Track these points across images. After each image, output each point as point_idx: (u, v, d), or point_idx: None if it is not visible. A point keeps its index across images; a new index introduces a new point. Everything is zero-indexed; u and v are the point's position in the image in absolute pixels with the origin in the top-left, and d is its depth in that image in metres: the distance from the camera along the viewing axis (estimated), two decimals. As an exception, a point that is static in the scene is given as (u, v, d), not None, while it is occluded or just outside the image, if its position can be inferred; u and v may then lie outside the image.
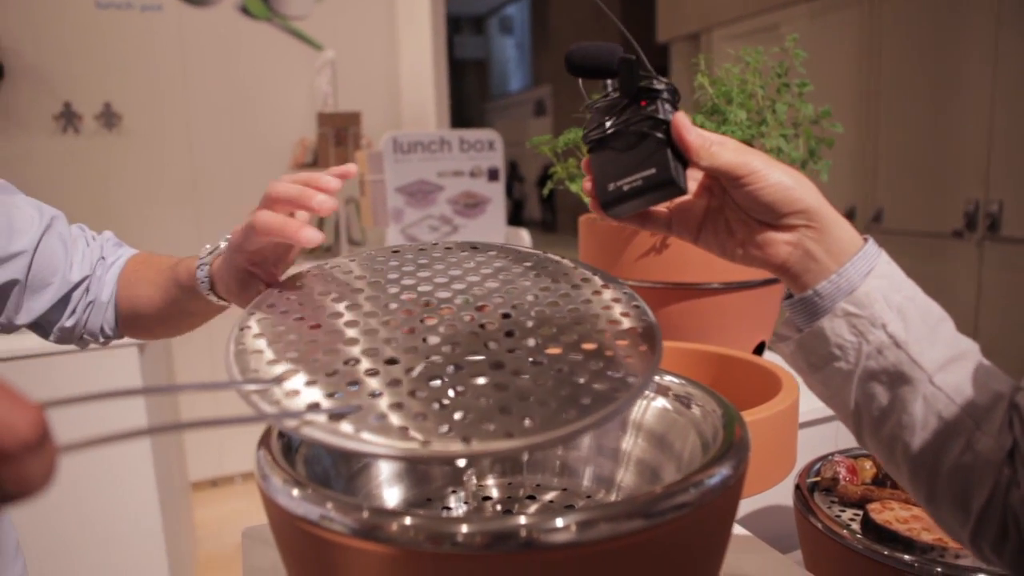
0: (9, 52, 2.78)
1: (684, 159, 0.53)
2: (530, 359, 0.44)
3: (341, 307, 0.50)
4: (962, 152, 3.26)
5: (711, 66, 1.20)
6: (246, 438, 3.21)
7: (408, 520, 0.37)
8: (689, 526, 0.39)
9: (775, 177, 0.52)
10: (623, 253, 1.14)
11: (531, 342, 0.45)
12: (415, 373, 0.42)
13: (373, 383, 0.42)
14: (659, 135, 0.53)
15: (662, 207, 0.58)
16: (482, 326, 0.47)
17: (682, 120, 0.53)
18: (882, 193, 3.65)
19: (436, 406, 0.40)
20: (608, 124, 0.55)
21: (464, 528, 0.36)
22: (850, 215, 3.86)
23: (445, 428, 0.38)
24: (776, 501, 1.08)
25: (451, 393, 0.41)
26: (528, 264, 0.56)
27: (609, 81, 0.56)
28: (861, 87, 3.77)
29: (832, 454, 0.96)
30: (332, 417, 0.39)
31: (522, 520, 0.36)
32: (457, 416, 0.39)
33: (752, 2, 4.61)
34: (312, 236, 0.56)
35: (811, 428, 1.12)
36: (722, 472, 0.41)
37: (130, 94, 2.99)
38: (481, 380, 0.42)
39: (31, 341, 1.57)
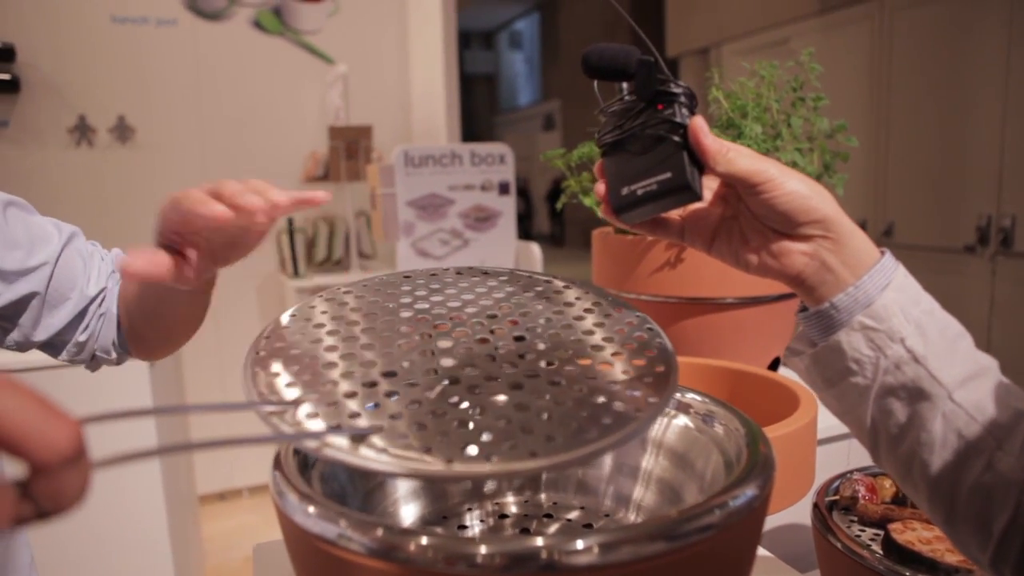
0: (26, 66, 2.81)
1: (700, 164, 0.52)
2: (548, 380, 0.43)
3: (356, 331, 0.49)
4: (974, 166, 3.24)
5: (724, 80, 1.20)
6: (254, 452, 3.20)
7: (425, 540, 0.36)
8: (714, 548, 0.38)
9: (792, 185, 0.51)
10: (636, 267, 1.13)
11: (547, 364, 0.45)
12: (433, 394, 0.42)
13: (393, 404, 0.41)
14: (676, 139, 0.52)
15: (675, 214, 0.57)
16: (496, 349, 0.47)
17: (700, 124, 0.52)
18: (893, 207, 3.64)
19: (457, 426, 0.39)
20: (624, 127, 0.54)
21: (483, 549, 0.35)
22: (861, 229, 3.81)
23: (468, 448, 0.37)
24: (793, 520, 1.06)
25: (472, 414, 0.40)
26: (539, 289, 0.56)
27: (625, 85, 0.55)
28: (872, 101, 3.76)
29: (851, 472, 0.94)
30: (354, 438, 0.38)
31: (541, 542, 0.35)
32: (479, 436, 0.38)
33: (762, 17, 4.62)
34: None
35: (829, 445, 1.10)
36: (748, 493, 0.40)
37: (144, 108, 3.02)
38: (500, 400, 0.41)
39: (40, 354, 1.57)
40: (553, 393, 0.42)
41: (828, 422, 1.10)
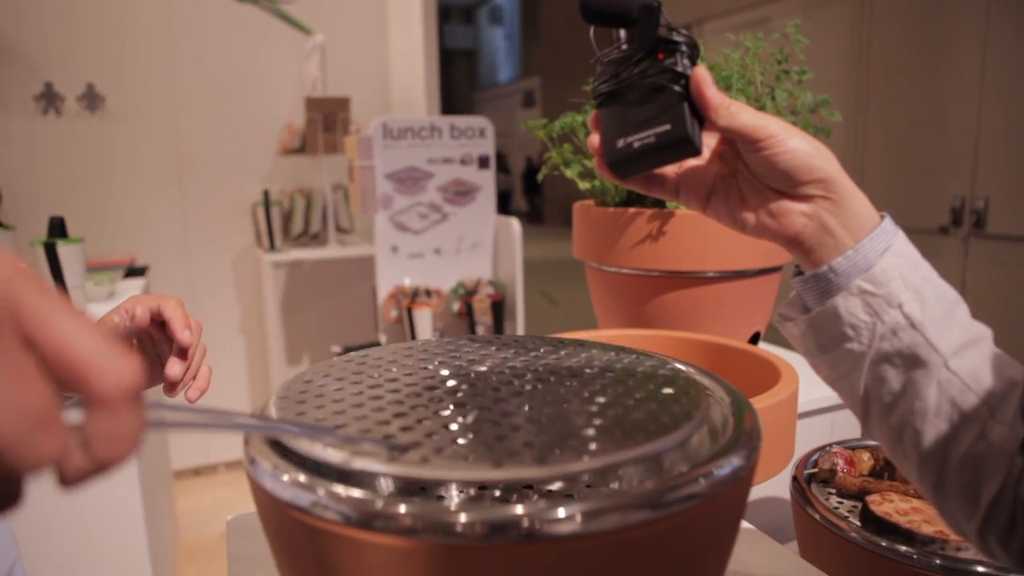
0: (-11, 30, 2.71)
1: (701, 117, 0.50)
2: (583, 402, 0.45)
3: (380, 378, 0.51)
4: (949, 148, 3.27)
5: (709, 52, 1.18)
6: (230, 426, 3.17)
7: (403, 508, 0.35)
8: (699, 518, 0.37)
9: (794, 143, 0.49)
10: (618, 240, 1.12)
11: (580, 388, 0.48)
12: (470, 419, 0.43)
13: (430, 424, 0.42)
14: (677, 88, 0.50)
15: (671, 170, 0.55)
16: (523, 387, 0.49)
17: (703, 74, 0.50)
18: (869, 188, 3.65)
19: (496, 438, 0.40)
20: (621, 76, 0.52)
21: (463, 517, 0.34)
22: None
23: (514, 453, 0.38)
24: (773, 492, 1.07)
25: (509, 430, 0.41)
26: (568, 350, 0.57)
27: (623, 33, 0.53)
28: (851, 82, 3.77)
29: (829, 445, 0.95)
30: (398, 449, 0.39)
31: (523, 509, 0.34)
32: (523, 443, 0.39)
33: (744, -6, 4.60)
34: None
35: (808, 419, 1.10)
36: (733, 462, 0.39)
37: (115, 75, 2.93)
38: (545, 411, 0.43)
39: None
40: (594, 408, 0.44)
41: (809, 396, 1.10)
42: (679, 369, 0.52)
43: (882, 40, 3.63)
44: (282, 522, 0.39)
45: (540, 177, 1.26)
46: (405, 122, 2.30)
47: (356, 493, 0.36)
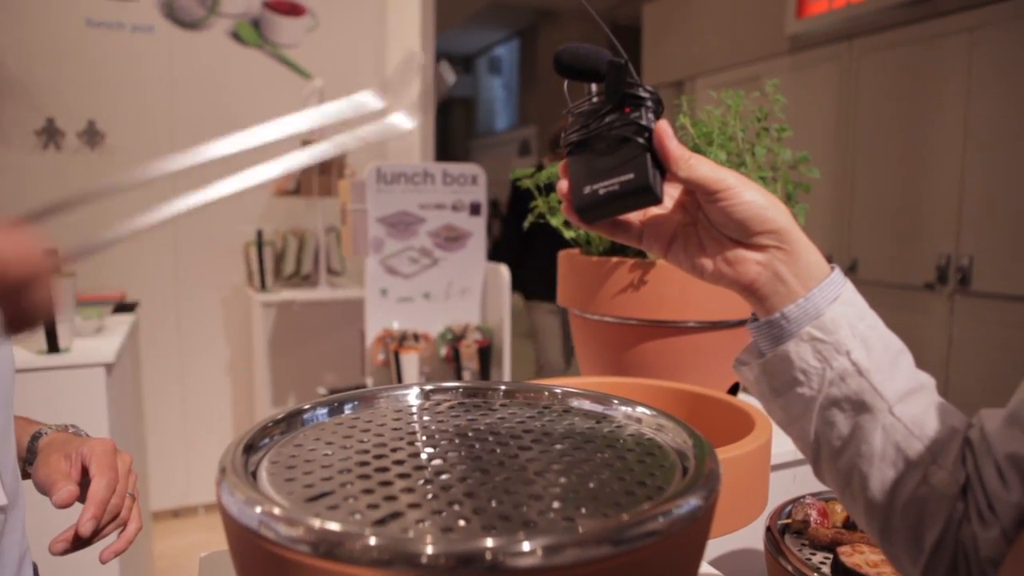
0: (-6, 66, 2.77)
1: (663, 168, 0.53)
2: (555, 475, 0.46)
3: (368, 443, 0.52)
4: (934, 207, 3.34)
5: (694, 109, 1.23)
6: (214, 469, 3.14)
7: (373, 540, 0.36)
8: (657, 555, 0.38)
9: (749, 195, 0.52)
10: (600, 288, 1.14)
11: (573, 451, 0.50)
12: (452, 491, 0.44)
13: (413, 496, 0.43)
14: (641, 141, 0.53)
15: (635, 217, 0.58)
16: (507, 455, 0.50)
17: (665, 128, 0.53)
18: (857, 244, 3.72)
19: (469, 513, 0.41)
20: (590, 127, 0.55)
21: (429, 549, 0.35)
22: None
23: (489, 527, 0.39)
24: (747, 544, 1.07)
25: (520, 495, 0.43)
26: (551, 417, 0.58)
27: (594, 86, 0.56)
28: (838, 140, 3.86)
29: (804, 496, 0.95)
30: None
31: (489, 543, 0.35)
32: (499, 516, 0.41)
33: (734, 53, 4.74)
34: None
35: (784, 471, 1.11)
36: (692, 502, 0.41)
37: (115, 113, 2.99)
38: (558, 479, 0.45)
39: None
40: (584, 474, 0.46)
41: (784, 447, 1.11)
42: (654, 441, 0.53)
43: (868, 100, 3.73)
44: (252, 553, 0.40)
45: (526, 225, 1.29)
46: (398, 167, 2.35)
47: (326, 524, 0.37)
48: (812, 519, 0.89)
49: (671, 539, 0.39)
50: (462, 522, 0.40)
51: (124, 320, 2.28)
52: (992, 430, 0.49)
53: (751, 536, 1.05)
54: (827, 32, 4.00)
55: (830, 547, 0.85)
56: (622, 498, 0.43)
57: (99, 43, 2.94)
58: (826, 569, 0.81)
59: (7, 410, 0.75)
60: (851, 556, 0.78)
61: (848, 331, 0.51)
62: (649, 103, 0.54)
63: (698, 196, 0.54)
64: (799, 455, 1.13)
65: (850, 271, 3.69)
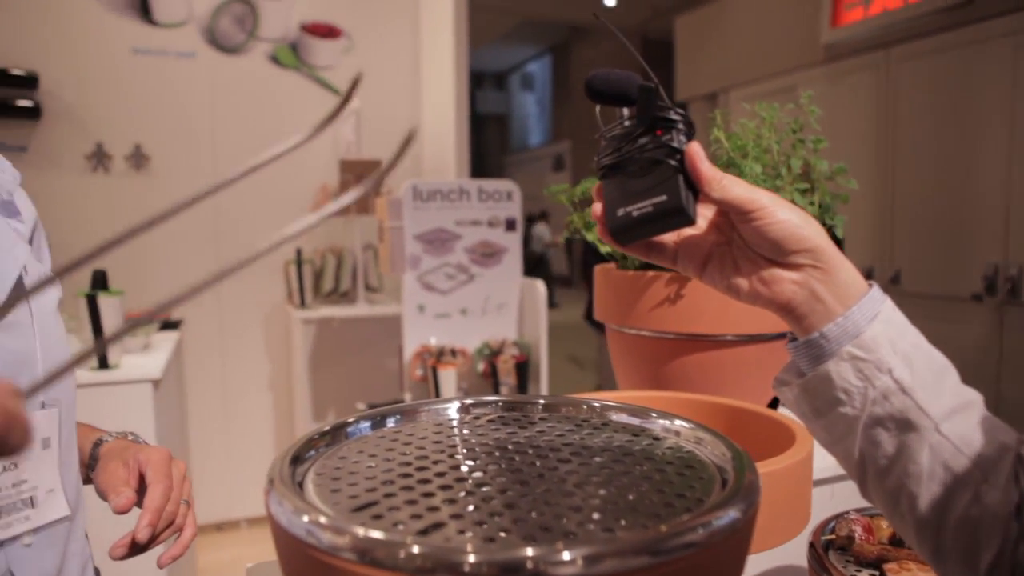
0: (48, 94, 2.88)
1: (695, 189, 0.54)
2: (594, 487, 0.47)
3: (410, 455, 0.52)
4: (980, 215, 3.26)
5: (727, 122, 1.22)
6: (256, 483, 3.19)
7: (416, 549, 0.37)
8: (696, 566, 0.39)
9: (783, 214, 0.52)
10: (637, 303, 1.14)
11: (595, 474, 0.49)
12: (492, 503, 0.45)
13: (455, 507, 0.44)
14: (672, 163, 0.53)
15: (669, 238, 0.58)
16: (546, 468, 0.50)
17: (696, 150, 0.53)
18: (900, 255, 3.65)
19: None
20: (623, 150, 0.56)
21: (472, 558, 0.36)
22: (868, 276, 3.82)
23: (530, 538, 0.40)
24: (791, 561, 1.05)
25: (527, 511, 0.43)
26: (588, 430, 0.59)
27: (625, 110, 0.57)
28: (878, 149, 3.80)
29: (848, 512, 0.94)
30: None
31: (530, 552, 0.36)
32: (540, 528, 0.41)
33: (768, 64, 4.70)
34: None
35: (827, 486, 1.10)
36: (731, 514, 0.41)
37: (160, 137, 3.08)
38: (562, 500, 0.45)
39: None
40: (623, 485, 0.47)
41: (830, 461, 1.10)
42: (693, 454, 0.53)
43: (908, 108, 3.67)
44: (300, 561, 0.41)
45: (561, 240, 1.29)
46: (434, 185, 2.38)
47: (371, 533, 0.38)
48: (857, 535, 0.87)
49: (710, 551, 0.39)
50: (503, 533, 0.41)
51: (170, 337, 2.34)
52: None
53: (794, 554, 1.03)
54: (863, 40, 3.95)
55: (876, 564, 0.84)
56: (661, 510, 0.43)
57: (145, 70, 3.04)
58: (872, 586, 0.79)
59: (70, 425, 0.78)
60: (898, 574, 0.77)
61: (889, 349, 0.51)
62: (680, 125, 0.54)
63: (732, 216, 0.54)
64: (837, 471, 1.11)
65: (893, 283, 3.62)
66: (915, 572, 0.78)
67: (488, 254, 2.49)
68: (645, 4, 8.26)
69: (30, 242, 0.76)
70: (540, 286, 2.45)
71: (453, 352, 2.40)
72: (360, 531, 0.38)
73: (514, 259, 2.51)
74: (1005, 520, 0.47)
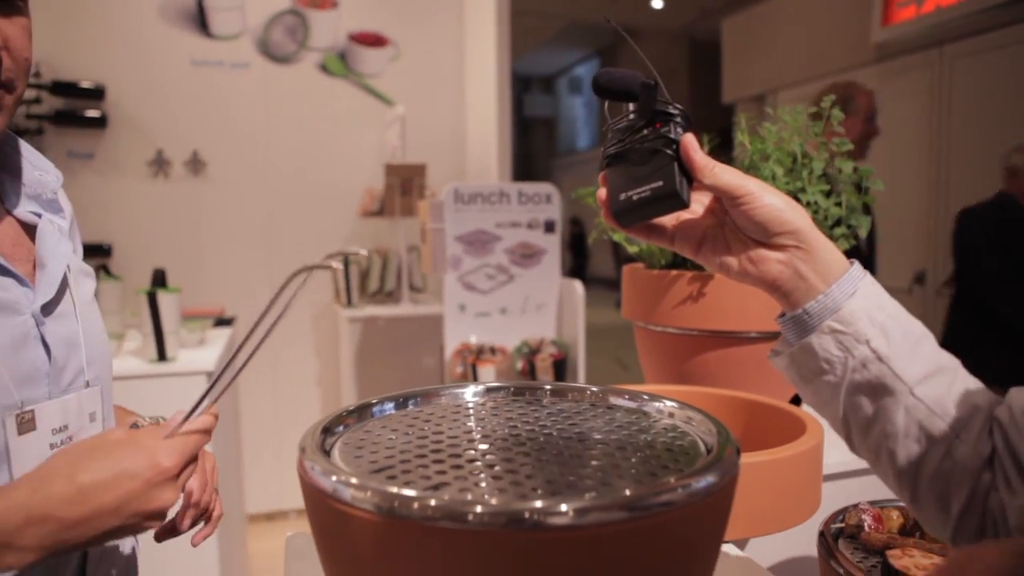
0: (113, 105, 3.05)
1: (690, 176, 0.60)
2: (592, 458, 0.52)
3: (428, 431, 0.58)
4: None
5: (753, 127, 1.26)
6: (302, 474, 3.30)
7: (432, 501, 0.43)
8: (673, 522, 0.44)
9: (768, 199, 0.58)
10: (661, 300, 1.18)
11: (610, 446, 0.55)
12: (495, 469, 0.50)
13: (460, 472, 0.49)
14: (669, 152, 0.59)
15: (667, 221, 0.64)
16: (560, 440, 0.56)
17: (690, 140, 0.59)
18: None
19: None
20: (626, 141, 0.62)
21: (477, 508, 0.42)
22: (920, 279, 3.78)
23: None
24: (803, 551, 1.09)
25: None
26: (597, 411, 0.64)
27: (631, 105, 0.63)
28: (931, 149, 3.73)
29: (859, 503, 0.97)
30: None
31: (527, 504, 0.42)
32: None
33: (818, 64, 4.65)
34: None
35: (841, 480, 1.12)
36: (708, 479, 0.46)
37: (216, 143, 3.23)
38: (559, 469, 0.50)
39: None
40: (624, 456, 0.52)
41: (844, 456, 1.12)
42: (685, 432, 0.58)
43: (961, 106, 3.60)
44: (326, 513, 0.47)
45: (591, 240, 1.34)
46: (475, 188, 2.44)
47: (387, 487, 0.44)
48: (866, 524, 0.90)
49: (687, 509, 0.44)
50: (502, 492, 0.46)
51: (223, 333, 2.46)
52: (1021, 406, 0.53)
53: (807, 544, 1.06)
54: (916, 39, 3.89)
55: (882, 552, 0.86)
56: (647, 479, 0.48)
57: (202, 80, 3.19)
58: (877, 573, 0.83)
59: (109, 403, 0.84)
60: (900, 559, 0.80)
61: (867, 321, 0.56)
62: (678, 119, 0.60)
63: (724, 201, 0.60)
64: (851, 466, 1.13)
65: (946, 285, 3.55)
66: (917, 558, 0.81)
67: (527, 255, 2.55)
68: (692, 5, 8.22)
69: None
70: (578, 287, 2.50)
71: (492, 350, 2.47)
72: (378, 486, 0.44)
73: (553, 260, 2.56)
74: (975, 472, 0.53)
